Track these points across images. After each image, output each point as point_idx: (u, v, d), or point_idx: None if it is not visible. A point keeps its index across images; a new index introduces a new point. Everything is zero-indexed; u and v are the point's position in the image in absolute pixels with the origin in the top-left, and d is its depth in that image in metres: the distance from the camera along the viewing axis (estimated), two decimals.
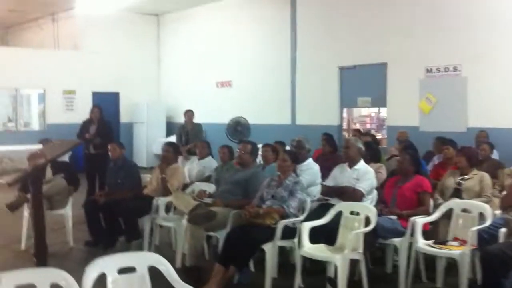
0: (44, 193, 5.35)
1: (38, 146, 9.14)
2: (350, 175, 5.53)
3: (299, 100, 12.36)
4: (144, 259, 3.18)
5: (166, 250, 6.29)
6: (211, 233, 5.62)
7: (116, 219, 6.32)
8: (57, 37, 15.81)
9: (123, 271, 3.04)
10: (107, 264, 3.02)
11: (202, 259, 5.58)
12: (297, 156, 5.70)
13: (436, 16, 9.85)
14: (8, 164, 3.37)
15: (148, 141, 15.11)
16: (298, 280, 4.93)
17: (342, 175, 5.63)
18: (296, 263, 5.03)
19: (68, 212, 6.70)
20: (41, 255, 4.02)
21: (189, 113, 10.05)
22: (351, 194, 5.36)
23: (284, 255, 5.53)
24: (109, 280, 2.97)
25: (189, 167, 7.80)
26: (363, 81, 11.15)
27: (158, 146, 14.55)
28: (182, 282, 3.11)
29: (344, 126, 12.02)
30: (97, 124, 8.93)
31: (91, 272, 2.93)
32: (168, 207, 6.32)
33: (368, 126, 13.64)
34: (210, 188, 6.32)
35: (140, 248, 6.10)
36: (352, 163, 5.60)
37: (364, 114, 14.09)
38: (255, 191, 5.56)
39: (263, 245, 4.93)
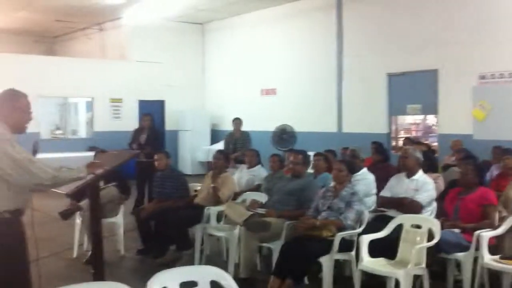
0: None
1: (86, 154, 9.31)
2: (408, 185, 5.33)
3: (346, 107, 12.18)
4: (206, 273, 3.10)
5: (217, 260, 6.21)
6: (264, 244, 5.51)
7: (167, 228, 6.28)
8: (104, 47, 16.14)
9: (185, 285, 2.97)
10: (169, 278, 2.96)
11: (255, 270, 5.47)
12: (353, 166, 5.54)
13: (489, 20, 9.54)
14: (65, 173, 3.31)
15: (193, 149, 15.18)
16: None
17: (399, 186, 5.42)
18: (354, 277, 4.87)
19: (120, 220, 6.71)
20: (98, 265, 3.98)
21: (237, 121, 10.00)
22: (410, 206, 5.15)
23: (339, 267, 5.37)
24: None
25: (238, 176, 7.68)
26: (413, 88, 10.89)
27: (203, 154, 14.66)
28: None
29: (392, 134, 11.76)
30: (147, 132, 8.99)
31: (153, 286, 2.87)
32: (219, 216, 6.24)
33: (414, 133, 13.28)
34: (261, 197, 6.21)
35: (191, 258, 6.05)
36: (410, 173, 5.40)
37: (410, 122, 13.73)
38: (309, 201, 5.43)
39: (319, 258, 4.79)
